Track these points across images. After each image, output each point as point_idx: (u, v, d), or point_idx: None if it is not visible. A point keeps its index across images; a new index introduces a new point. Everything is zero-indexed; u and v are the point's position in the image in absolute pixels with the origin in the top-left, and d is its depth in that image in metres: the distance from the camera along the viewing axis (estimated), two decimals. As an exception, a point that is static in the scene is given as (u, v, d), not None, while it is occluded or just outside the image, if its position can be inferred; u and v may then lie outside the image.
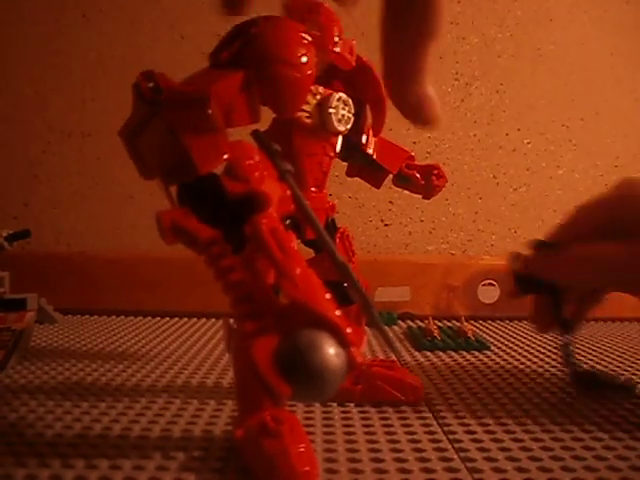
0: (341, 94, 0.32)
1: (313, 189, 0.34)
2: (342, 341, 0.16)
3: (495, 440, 0.30)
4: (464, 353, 0.51)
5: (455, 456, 0.28)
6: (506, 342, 0.56)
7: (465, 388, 0.40)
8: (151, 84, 0.21)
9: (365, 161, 0.38)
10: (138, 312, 0.69)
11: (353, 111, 0.33)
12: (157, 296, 0.69)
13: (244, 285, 0.18)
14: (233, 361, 0.27)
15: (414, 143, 0.75)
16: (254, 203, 0.19)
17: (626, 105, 0.78)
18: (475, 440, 0.30)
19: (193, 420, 0.33)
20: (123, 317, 0.68)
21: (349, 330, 0.17)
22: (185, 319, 0.67)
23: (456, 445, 0.29)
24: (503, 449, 0.29)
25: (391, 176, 0.39)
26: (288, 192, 0.20)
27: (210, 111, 0.20)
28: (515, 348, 0.53)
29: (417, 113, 0.19)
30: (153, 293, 0.69)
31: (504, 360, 0.48)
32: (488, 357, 0.49)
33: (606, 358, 0.49)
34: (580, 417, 0.34)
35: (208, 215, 0.19)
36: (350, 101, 0.32)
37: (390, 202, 0.75)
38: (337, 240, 0.36)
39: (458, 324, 0.60)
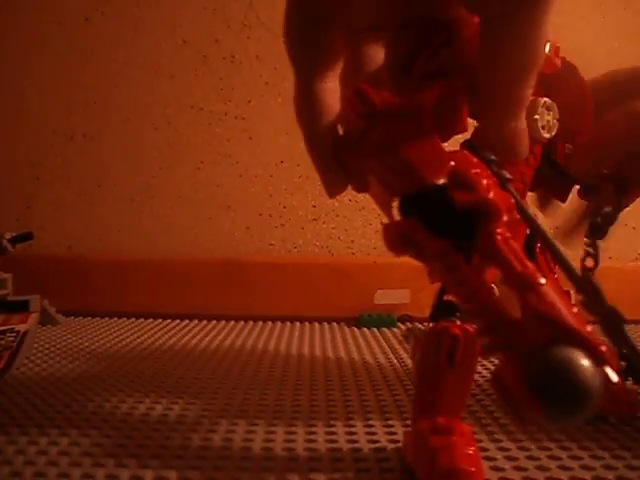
0: (545, 99, 0.30)
1: None
2: (598, 359, 0.15)
3: (495, 441, 0.31)
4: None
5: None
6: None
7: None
8: (364, 99, 0.21)
9: (552, 171, 0.35)
10: (140, 314, 0.70)
11: (557, 117, 0.31)
12: (158, 298, 0.70)
13: (480, 297, 0.17)
14: (416, 367, 0.27)
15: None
16: (485, 213, 0.18)
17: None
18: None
19: (199, 420, 0.33)
20: (125, 319, 0.69)
21: (604, 348, 0.15)
22: (186, 321, 0.67)
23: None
24: (502, 449, 0.29)
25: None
26: (512, 201, 0.19)
27: (427, 122, 0.21)
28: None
29: (509, 147, 0.20)
30: (154, 295, 0.70)
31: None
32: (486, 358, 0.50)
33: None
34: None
35: (436, 226, 0.19)
36: (555, 106, 0.31)
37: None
38: (538, 251, 0.34)
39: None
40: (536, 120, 0.30)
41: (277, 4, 0.74)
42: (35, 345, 0.52)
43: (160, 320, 0.68)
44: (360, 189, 0.23)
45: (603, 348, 0.15)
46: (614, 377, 0.15)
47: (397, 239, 0.19)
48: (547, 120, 0.30)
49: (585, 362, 0.15)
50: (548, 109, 0.30)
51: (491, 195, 0.18)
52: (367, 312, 0.67)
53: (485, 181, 0.19)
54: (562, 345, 0.15)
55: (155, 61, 0.76)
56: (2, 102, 0.77)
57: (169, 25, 0.76)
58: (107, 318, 0.69)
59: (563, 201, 0.37)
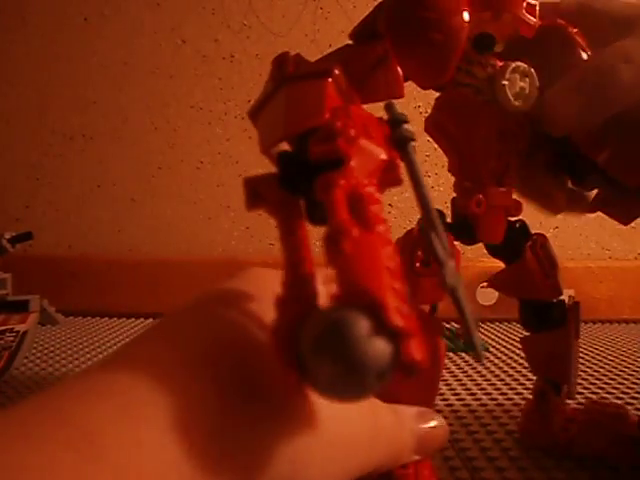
0: (519, 63, 0.26)
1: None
2: (384, 324, 0.11)
3: (494, 438, 0.31)
4: (462, 354, 0.51)
5: (456, 457, 0.28)
6: (504, 344, 0.56)
7: (463, 389, 0.40)
8: (281, 61, 0.19)
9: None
10: (139, 314, 0.70)
11: (538, 84, 0.26)
12: (158, 298, 0.70)
13: (287, 251, 0.16)
14: None
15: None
16: (333, 162, 0.15)
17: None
18: (479, 443, 0.31)
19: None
20: (125, 319, 0.68)
21: (401, 310, 0.11)
22: (186, 321, 0.67)
23: (457, 446, 0.30)
24: (502, 448, 0.29)
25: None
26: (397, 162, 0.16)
27: (329, 81, 0.18)
28: (513, 349, 0.53)
29: None
30: (154, 295, 0.70)
31: (502, 361, 0.48)
32: (486, 358, 0.50)
33: (603, 359, 0.49)
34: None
35: (287, 180, 0.16)
36: (533, 72, 0.26)
37: (390, 205, 0.76)
38: (528, 250, 0.29)
39: (456, 326, 0.60)
40: (504, 86, 0.26)
41: (276, 4, 0.74)
42: (35, 345, 0.52)
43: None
44: (262, 149, 0.19)
45: (399, 311, 0.11)
46: (412, 351, 0.11)
47: (249, 193, 0.17)
48: (521, 87, 0.26)
49: (359, 325, 0.11)
50: (523, 74, 0.26)
51: (351, 146, 0.15)
52: (367, 312, 0.67)
53: (353, 132, 0.15)
54: (338, 307, 0.12)
55: (155, 61, 0.76)
56: (2, 102, 0.77)
57: (169, 25, 0.76)
58: (107, 318, 0.69)
59: (625, 223, 0.30)
